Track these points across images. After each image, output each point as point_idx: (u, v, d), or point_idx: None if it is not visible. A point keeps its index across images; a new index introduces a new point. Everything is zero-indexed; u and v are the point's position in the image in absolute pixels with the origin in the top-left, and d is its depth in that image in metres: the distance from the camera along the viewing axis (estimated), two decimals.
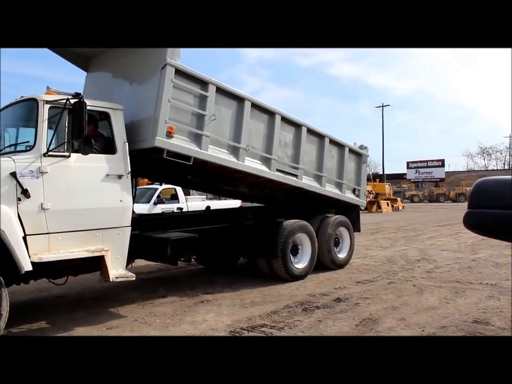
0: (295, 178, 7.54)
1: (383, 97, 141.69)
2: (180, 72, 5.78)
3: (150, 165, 6.44)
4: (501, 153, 78.25)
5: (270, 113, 7.16)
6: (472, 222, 1.68)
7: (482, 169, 75.81)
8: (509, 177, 1.57)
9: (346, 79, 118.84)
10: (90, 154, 5.12)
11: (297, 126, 7.66)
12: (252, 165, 6.79)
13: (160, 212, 11.92)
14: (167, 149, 5.67)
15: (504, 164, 77.41)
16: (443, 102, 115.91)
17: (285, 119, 7.38)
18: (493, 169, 73.84)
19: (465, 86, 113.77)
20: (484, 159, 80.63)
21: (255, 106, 6.85)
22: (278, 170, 7.21)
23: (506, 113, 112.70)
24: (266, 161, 7.06)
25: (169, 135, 5.65)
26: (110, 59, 6.76)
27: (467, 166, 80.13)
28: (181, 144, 5.83)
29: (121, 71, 6.49)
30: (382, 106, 53.61)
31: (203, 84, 6.12)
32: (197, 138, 6.06)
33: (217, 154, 6.28)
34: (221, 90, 6.34)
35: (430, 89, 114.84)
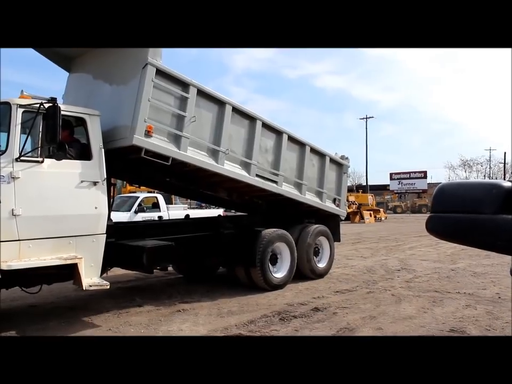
0: (275, 185, 7.52)
1: (368, 109, 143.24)
2: (160, 73, 5.77)
3: (128, 166, 6.37)
4: (482, 166, 79.49)
5: (251, 119, 7.15)
6: (433, 227, 1.66)
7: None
8: (470, 180, 1.56)
9: (331, 91, 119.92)
10: (64, 160, 5.03)
11: (278, 133, 7.66)
12: (231, 169, 6.75)
13: (141, 220, 11.83)
14: (145, 148, 5.62)
15: (484, 175, 78.71)
16: (426, 115, 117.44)
17: (266, 125, 7.38)
18: None
19: (447, 100, 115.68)
20: (465, 171, 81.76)
21: (236, 110, 6.85)
22: (257, 175, 7.18)
23: (487, 127, 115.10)
24: (246, 166, 7.03)
25: (147, 134, 5.61)
26: (92, 60, 6.74)
27: (449, 178, 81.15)
28: (159, 144, 5.79)
29: (102, 72, 6.46)
30: (366, 118, 54.16)
31: (184, 85, 6.11)
32: (176, 139, 6.03)
33: (196, 156, 6.25)
34: (202, 93, 6.33)
35: (413, 102, 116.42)
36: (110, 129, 5.76)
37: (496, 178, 72.92)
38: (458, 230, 1.52)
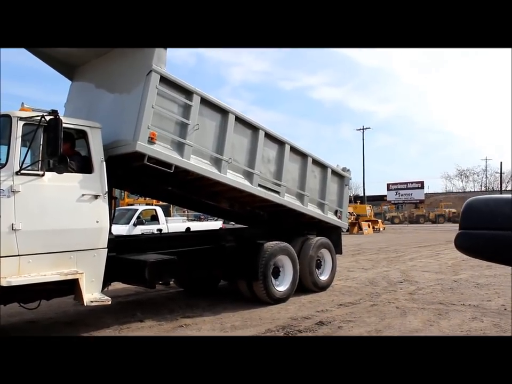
0: (277, 195, 7.45)
1: (364, 120, 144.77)
2: (164, 80, 5.74)
3: (130, 174, 6.31)
4: (478, 175, 80.00)
5: (254, 128, 7.12)
6: (464, 244, 1.58)
7: (460, 191, 77.22)
8: (500, 196, 1.50)
9: (328, 103, 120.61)
10: (65, 173, 4.97)
11: (280, 143, 7.62)
12: (234, 178, 6.69)
13: (140, 233, 11.72)
14: (148, 155, 5.57)
15: (481, 185, 79.10)
16: (422, 126, 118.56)
17: (268, 135, 7.34)
18: (470, 191, 75.26)
19: (443, 111, 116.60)
20: (462, 181, 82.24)
21: (239, 120, 6.81)
22: (260, 185, 7.12)
23: (482, 137, 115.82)
24: (249, 176, 6.98)
25: (151, 141, 5.57)
26: (95, 68, 6.72)
27: (446, 188, 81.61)
28: (162, 151, 5.74)
29: (105, 80, 6.43)
30: (363, 129, 54.37)
31: (188, 93, 6.08)
32: (179, 147, 5.98)
33: (199, 164, 6.20)
34: (205, 101, 6.30)
35: (408, 113, 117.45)
36: (113, 136, 5.72)
37: (493, 188, 73.41)
38: (490, 248, 1.45)
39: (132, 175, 6.32)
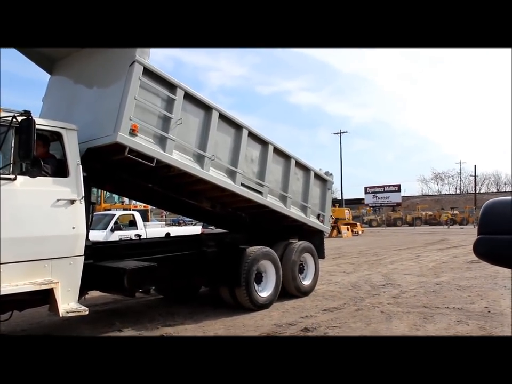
0: (260, 196, 7.30)
1: (341, 125, 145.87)
2: (148, 72, 5.57)
3: (110, 169, 6.10)
4: (453, 178, 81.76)
5: (238, 127, 6.97)
6: (483, 250, 1.44)
7: (436, 193, 78.66)
8: None
9: (305, 107, 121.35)
10: (39, 177, 4.72)
11: (264, 143, 7.49)
12: (216, 175, 6.53)
13: (118, 239, 11.42)
14: (130, 147, 5.37)
15: (456, 188, 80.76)
16: (398, 131, 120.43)
17: (252, 135, 7.20)
18: (445, 194, 76.76)
19: (418, 116, 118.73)
20: (438, 184, 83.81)
21: (222, 117, 6.66)
22: (243, 185, 6.96)
23: (456, 141, 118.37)
24: (231, 174, 6.82)
25: (132, 133, 5.37)
26: (76, 62, 6.48)
27: (422, 191, 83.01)
28: (144, 144, 5.55)
29: (87, 74, 6.21)
30: (340, 133, 54.92)
31: (171, 86, 5.90)
32: (161, 141, 5.80)
33: (181, 160, 6.03)
34: (189, 96, 6.14)
35: (385, 118, 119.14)
36: (94, 129, 5.51)
37: (467, 191, 74.99)
38: None
39: (112, 170, 6.11)
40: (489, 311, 6.79)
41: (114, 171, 6.16)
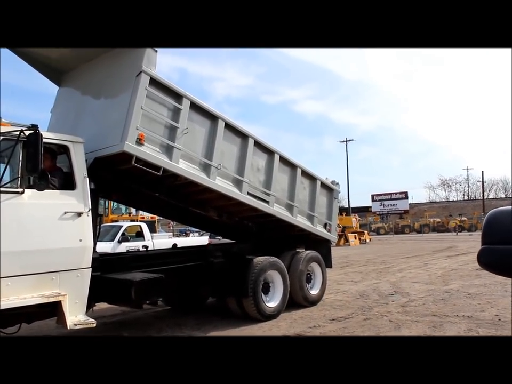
0: (266, 205, 7.31)
1: (347, 132, 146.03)
2: (154, 82, 5.63)
3: (117, 179, 6.15)
4: (460, 185, 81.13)
5: (244, 136, 7.00)
6: (488, 260, 1.43)
7: (443, 200, 78.15)
8: None
9: (311, 115, 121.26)
10: (46, 190, 4.76)
11: (270, 152, 7.51)
12: (223, 184, 6.55)
13: (125, 250, 11.44)
14: (136, 156, 5.41)
15: (463, 194, 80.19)
16: (402, 136, 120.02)
17: (258, 144, 7.23)
18: (453, 200, 76.24)
19: (422, 121, 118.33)
20: (445, 191, 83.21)
21: (228, 126, 6.70)
22: (249, 194, 6.98)
23: (463, 146, 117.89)
24: (238, 183, 6.84)
25: (139, 142, 5.42)
26: (84, 73, 6.57)
27: (429, 198, 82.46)
28: (151, 153, 5.60)
29: (94, 84, 6.30)
30: (346, 141, 54.83)
31: (177, 96, 5.96)
32: (168, 150, 5.85)
33: (188, 169, 6.07)
34: (195, 106, 6.19)
35: (390, 125, 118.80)
36: (101, 138, 5.58)
37: (475, 197, 74.46)
38: None
39: (119, 179, 6.16)
40: (499, 319, 6.71)
41: (121, 181, 6.21)
